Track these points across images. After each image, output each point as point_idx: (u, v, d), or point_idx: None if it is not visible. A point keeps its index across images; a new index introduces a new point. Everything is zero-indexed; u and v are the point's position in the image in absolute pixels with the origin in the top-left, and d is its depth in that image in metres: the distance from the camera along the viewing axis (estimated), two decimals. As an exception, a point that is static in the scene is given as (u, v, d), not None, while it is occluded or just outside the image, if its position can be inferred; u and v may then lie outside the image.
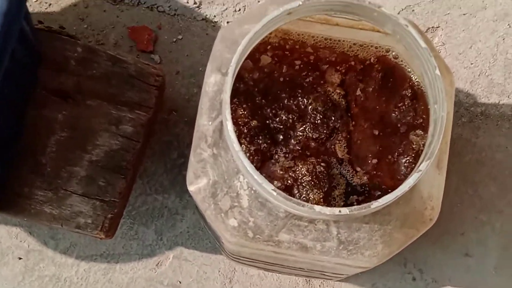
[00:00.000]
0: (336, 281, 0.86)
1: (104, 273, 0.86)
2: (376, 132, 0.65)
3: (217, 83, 0.63)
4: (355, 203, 0.62)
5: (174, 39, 0.90)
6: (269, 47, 0.66)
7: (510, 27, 0.90)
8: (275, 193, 0.55)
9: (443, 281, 0.86)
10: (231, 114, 0.59)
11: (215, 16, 0.90)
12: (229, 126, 0.56)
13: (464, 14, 0.90)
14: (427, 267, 0.87)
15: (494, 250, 0.87)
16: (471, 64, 0.89)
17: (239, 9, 0.90)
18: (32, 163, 0.76)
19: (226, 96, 0.57)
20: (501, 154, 0.88)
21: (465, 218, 0.87)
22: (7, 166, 0.76)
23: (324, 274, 0.79)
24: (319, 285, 0.86)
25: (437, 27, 0.90)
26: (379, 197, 0.57)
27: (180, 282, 0.86)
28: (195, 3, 0.90)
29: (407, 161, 0.64)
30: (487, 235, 0.87)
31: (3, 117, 0.70)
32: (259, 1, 0.90)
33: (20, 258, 0.87)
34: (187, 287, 0.86)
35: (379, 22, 0.60)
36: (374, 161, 0.65)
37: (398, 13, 0.89)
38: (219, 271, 0.86)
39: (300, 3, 0.58)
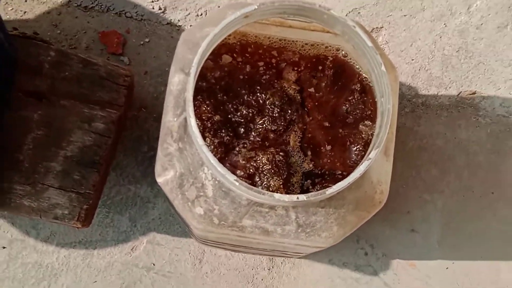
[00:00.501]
0: (297, 258, 0.86)
1: (83, 258, 0.85)
2: (329, 124, 0.65)
3: (181, 82, 0.62)
4: (311, 189, 0.62)
5: (142, 42, 0.89)
6: (228, 48, 0.65)
7: (446, 26, 0.90)
8: (237, 183, 0.55)
9: (392, 255, 0.87)
10: (195, 110, 0.58)
11: (179, 20, 0.89)
12: (193, 122, 0.55)
13: (404, 16, 0.90)
14: (377, 243, 0.87)
15: (436, 226, 0.88)
16: (412, 60, 0.90)
17: (201, 14, 0.89)
18: (10, 160, 0.75)
19: (189, 94, 0.56)
20: (440, 140, 0.89)
21: (410, 198, 0.88)
22: None
23: (286, 253, 0.79)
24: (281, 262, 0.86)
25: (381, 28, 0.90)
26: (333, 183, 0.56)
27: (154, 264, 0.85)
28: (160, 8, 0.89)
29: (357, 149, 0.64)
30: (430, 213, 0.88)
31: None
32: (219, 7, 0.89)
33: (4, 248, 0.85)
34: (160, 268, 0.85)
35: (329, 24, 0.60)
36: (328, 149, 0.64)
37: (346, 15, 0.88)
38: (189, 253, 0.86)
39: (256, 7, 0.57)
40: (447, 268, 0.87)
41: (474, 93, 0.89)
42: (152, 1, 0.89)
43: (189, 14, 0.89)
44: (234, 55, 0.65)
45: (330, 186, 0.56)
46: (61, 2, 0.88)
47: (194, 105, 0.57)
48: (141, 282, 0.85)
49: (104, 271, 0.85)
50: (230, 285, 0.85)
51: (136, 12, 0.88)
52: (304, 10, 0.58)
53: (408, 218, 0.87)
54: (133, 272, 0.85)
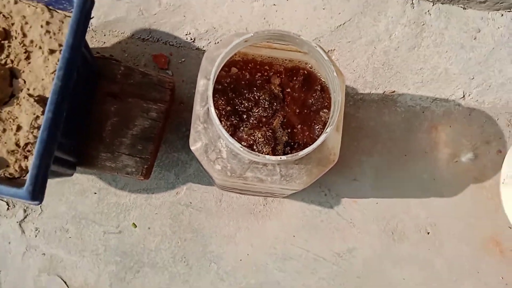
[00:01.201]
0: (281, 198, 0.84)
1: (145, 199, 0.84)
2: (300, 111, 0.63)
3: (204, 85, 0.60)
4: (289, 152, 0.61)
5: (180, 61, 0.86)
6: (235, 63, 0.64)
7: (375, 48, 0.87)
8: (242, 149, 0.54)
9: (342, 195, 0.85)
10: (214, 103, 0.57)
11: (203, 46, 0.86)
12: (212, 111, 0.54)
13: (348, 42, 0.87)
14: (333, 188, 0.85)
15: (369, 177, 0.86)
16: (354, 71, 0.87)
17: (217, 42, 0.87)
18: (98, 137, 0.73)
19: (210, 92, 0.55)
20: (372, 122, 0.86)
21: (353, 159, 0.86)
22: (81, 139, 0.73)
23: (274, 194, 0.78)
24: (272, 200, 0.84)
25: (333, 50, 0.87)
26: (303, 148, 0.56)
27: (191, 203, 0.84)
28: (191, 39, 0.86)
29: (319, 127, 0.62)
30: (365, 168, 0.86)
31: (77, 110, 0.66)
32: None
33: (95, 193, 0.83)
34: (195, 205, 0.84)
35: (300, 45, 0.58)
36: (299, 128, 0.63)
37: None
38: (213, 195, 0.84)
39: (252, 34, 0.55)
40: (376, 203, 0.85)
41: (393, 92, 0.87)
42: (186, 34, 0.86)
43: (210, 42, 0.86)
44: (239, 67, 0.63)
45: (301, 150, 0.55)
46: (127, 35, 0.85)
47: (213, 100, 0.56)
48: (183, 214, 0.83)
49: (159, 207, 0.83)
50: (239, 215, 0.84)
51: (176, 42, 0.86)
52: (283, 36, 0.56)
53: (352, 171, 0.85)
54: (177, 208, 0.83)
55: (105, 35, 0.84)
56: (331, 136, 0.60)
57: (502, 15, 0.85)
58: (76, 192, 0.82)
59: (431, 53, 0.86)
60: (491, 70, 0.86)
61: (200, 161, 0.61)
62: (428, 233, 0.84)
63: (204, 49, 0.85)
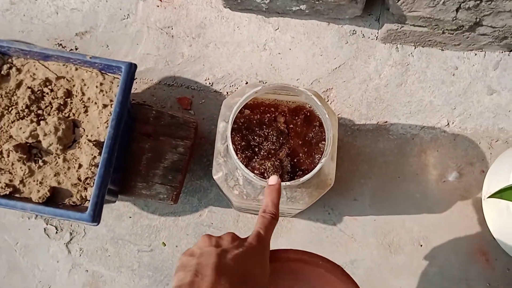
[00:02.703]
0: (290, 217, 0.91)
1: (173, 221, 0.91)
2: (303, 143, 0.71)
3: (224, 127, 0.69)
4: (295, 178, 0.68)
5: (200, 102, 0.95)
6: (247, 106, 0.72)
7: (367, 86, 0.95)
8: (255, 177, 0.62)
9: (344, 214, 0.91)
10: (231, 140, 0.65)
11: (220, 89, 0.95)
12: (230, 148, 0.63)
13: (344, 81, 0.95)
14: (335, 207, 0.91)
15: (367, 197, 0.92)
16: (350, 105, 0.94)
17: (232, 85, 0.96)
18: (135, 170, 0.82)
19: (228, 133, 0.64)
20: (368, 149, 0.93)
21: (353, 181, 0.92)
22: (122, 172, 0.82)
23: (283, 214, 0.86)
24: (282, 220, 0.91)
25: (331, 88, 0.95)
26: (307, 174, 0.63)
27: (212, 223, 0.91)
28: (210, 83, 0.95)
29: (318, 156, 0.69)
30: (364, 189, 0.92)
31: (120, 149, 0.76)
32: (241, 81, 0.95)
33: (130, 217, 0.92)
34: (216, 225, 0.91)
35: (299, 94, 0.68)
36: (302, 157, 0.70)
37: (311, 83, 0.93)
38: (231, 216, 0.91)
39: (261, 87, 0.65)
40: (374, 220, 0.91)
41: (386, 122, 0.94)
42: (205, 80, 0.95)
43: (225, 86, 0.95)
44: (250, 109, 0.72)
45: (303, 177, 0.62)
46: (155, 82, 0.95)
47: (231, 138, 0.64)
48: (205, 233, 0.89)
49: (185, 228, 0.91)
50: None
51: (196, 86, 0.95)
52: (285, 88, 0.65)
53: (352, 192, 0.92)
54: (200, 228, 0.91)
55: (136, 82, 0.95)
56: (327, 164, 0.68)
57: (475, 54, 0.95)
58: (114, 217, 0.92)
59: (416, 88, 0.95)
60: (470, 101, 0.95)
61: (221, 188, 0.69)
62: (421, 245, 0.91)
63: (220, 91, 0.94)
